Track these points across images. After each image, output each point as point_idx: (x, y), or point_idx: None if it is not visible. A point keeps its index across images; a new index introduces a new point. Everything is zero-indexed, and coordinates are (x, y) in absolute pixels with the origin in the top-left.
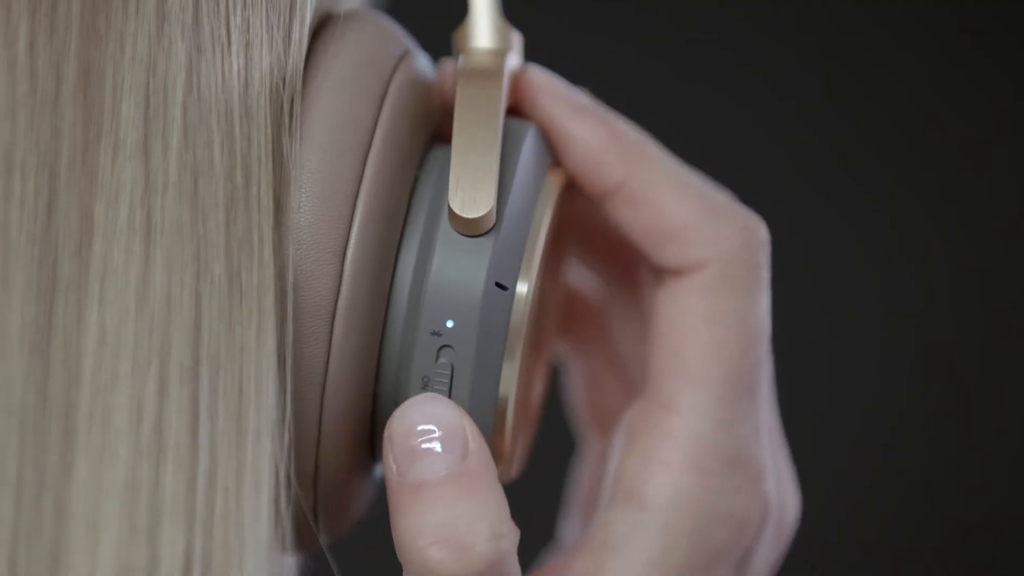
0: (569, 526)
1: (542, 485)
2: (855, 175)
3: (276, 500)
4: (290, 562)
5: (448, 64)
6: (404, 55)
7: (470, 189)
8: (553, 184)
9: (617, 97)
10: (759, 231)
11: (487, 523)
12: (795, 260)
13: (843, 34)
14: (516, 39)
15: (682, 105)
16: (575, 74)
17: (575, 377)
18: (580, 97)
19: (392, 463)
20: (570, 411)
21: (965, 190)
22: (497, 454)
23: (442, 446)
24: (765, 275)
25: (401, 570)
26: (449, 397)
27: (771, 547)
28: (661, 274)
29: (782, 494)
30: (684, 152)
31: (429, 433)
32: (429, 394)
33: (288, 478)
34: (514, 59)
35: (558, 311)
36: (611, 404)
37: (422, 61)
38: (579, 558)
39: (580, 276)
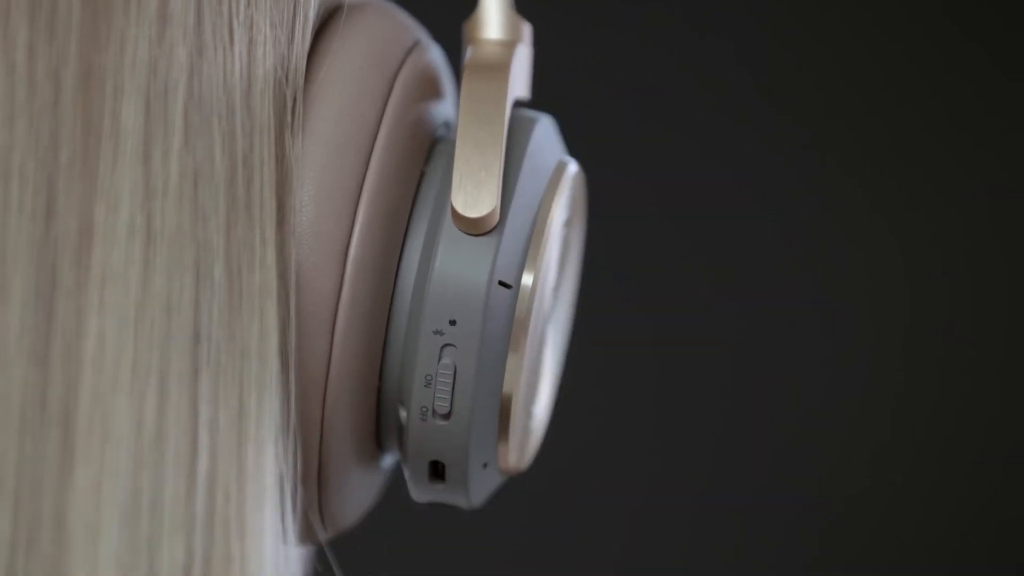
0: None
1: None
2: (851, 176)
3: (280, 505)
4: (297, 553)
5: None
6: (414, 46)
7: (472, 188)
8: (562, 176)
9: (618, 96)
10: None
11: None
12: (792, 261)
13: (841, 32)
14: (526, 30)
15: (680, 105)
16: (580, 70)
17: None
18: None
19: None
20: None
21: (961, 192)
22: (503, 451)
23: None
24: None
25: (403, 563)
26: (452, 396)
27: None
28: None
29: None
30: (681, 152)
31: None
32: None
33: (294, 484)
34: (524, 51)
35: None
36: None
37: (434, 52)
38: None
39: None
